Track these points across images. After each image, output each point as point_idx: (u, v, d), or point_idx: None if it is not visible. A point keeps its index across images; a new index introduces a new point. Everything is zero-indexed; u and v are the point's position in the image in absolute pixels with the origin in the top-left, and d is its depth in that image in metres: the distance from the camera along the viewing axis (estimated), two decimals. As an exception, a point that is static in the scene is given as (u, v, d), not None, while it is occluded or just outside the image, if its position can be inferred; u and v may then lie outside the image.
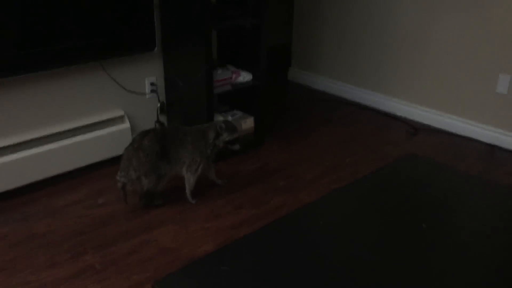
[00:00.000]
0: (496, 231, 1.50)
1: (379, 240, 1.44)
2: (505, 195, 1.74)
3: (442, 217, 1.56)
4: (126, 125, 2.91)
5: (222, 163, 2.87)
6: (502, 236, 1.47)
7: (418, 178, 1.80)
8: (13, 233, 2.28)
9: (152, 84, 3.02)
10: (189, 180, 2.50)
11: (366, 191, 1.70)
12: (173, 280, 1.26)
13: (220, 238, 2.24)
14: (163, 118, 3.12)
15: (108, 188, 2.64)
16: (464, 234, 1.48)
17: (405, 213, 1.57)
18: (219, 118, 3.02)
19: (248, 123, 3.11)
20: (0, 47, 2.36)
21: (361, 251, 1.38)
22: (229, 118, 3.06)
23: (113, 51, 2.75)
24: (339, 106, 3.87)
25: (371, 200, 1.64)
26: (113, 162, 2.88)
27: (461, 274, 1.30)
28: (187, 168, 2.47)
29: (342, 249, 1.39)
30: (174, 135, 2.47)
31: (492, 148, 3.17)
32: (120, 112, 2.92)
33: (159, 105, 3.07)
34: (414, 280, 1.26)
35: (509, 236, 1.48)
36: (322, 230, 1.48)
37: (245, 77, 3.02)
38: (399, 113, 3.67)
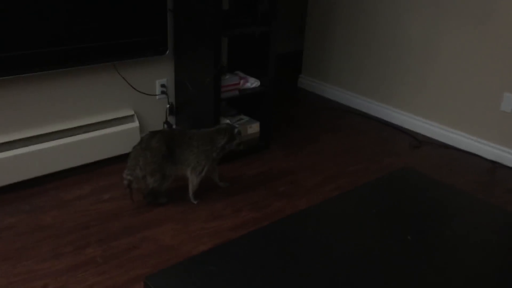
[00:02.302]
0: (477, 247, 1.55)
1: (362, 249, 1.50)
2: (494, 213, 1.79)
3: (428, 231, 1.61)
4: (136, 124, 3.01)
5: (226, 166, 2.95)
6: (481, 253, 1.52)
7: (410, 192, 1.85)
8: (20, 223, 2.38)
9: (162, 86, 3.11)
10: (193, 182, 2.58)
11: (356, 202, 1.76)
12: (163, 276, 1.33)
13: (218, 239, 2.32)
14: (171, 119, 3.21)
15: (114, 185, 2.74)
16: (447, 248, 1.54)
17: (392, 225, 1.63)
18: (225, 121, 3.10)
19: (254, 128, 3.19)
20: (19, 45, 2.46)
21: (345, 259, 1.45)
22: (236, 122, 3.14)
23: (127, 53, 2.84)
24: (346, 115, 3.93)
25: (360, 211, 1.70)
26: (121, 159, 2.97)
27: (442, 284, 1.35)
28: (192, 170, 2.55)
29: (328, 256, 1.46)
30: (181, 137, 2.55)
31: (494, 165, 3.20)
32: (130, 112, 3.01)
33: (168, 106, 3.17)
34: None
35: (488, 253, 1.54)
36: (310, 237, 1.55)
37: (253, 83, 3.10)
38: (404, 125, 3.71)
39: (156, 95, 3.12)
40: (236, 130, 2.63)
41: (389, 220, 1.65)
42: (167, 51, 2.99)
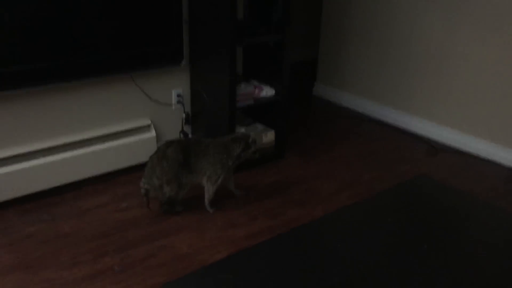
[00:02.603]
0: (492, 254, 1.54)
1: (378, 257, 1.50)
2: (510, 221, 1.76)
3: (443, 239, 1.60)
4: (152, 134, 3.05)
5: (241, 174, 2.96)
6: (497, 261, 1.51)
7: (425, 200, 1.84)
8: (40, 233, 2.42)
9: (178, 95, 3.15)
10: (209, 190, 2.60)
11: (371, 210, 1.76)
12: (180, 284, 1.35)
13: (233, 247, 2.32)
14: (187, 129, 3.24)
15: (131, 194, 2.77)
16: (463, 255, 1.53)
17: (408, 233, 1.62)
18: (241, 130, 3.12)
19: (269, 136, 3.20)
20: (40, 58, 2.53)
21: (360, 267, 1.44)
22: (251, 131, 3.16)
23: (143, 64, 2.89)
24: (362, 122, 3.92)
25: (376, 219, 1.70)
26: (138, 168, 3.01)
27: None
28: (208, 178, 2.57)
29: (344, 264, 1.46)
30: (196, 146, 2.58)
31: (512, 172, 3.16)
32: (147, 121, 3.05)
33: (184, 115, 3.20)
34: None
35: (505, 261, 1.52)
36: (326, 245, 1.55)
37: (267, 92, 3.11)
38: (420, 132, 3.69)
39: (172, 104, 3.16)
40: (251, 139, 2.64)
41: (405, 228, 1.64)
42: (183, 61, 3.03)
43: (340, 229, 1.64)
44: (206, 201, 2.62)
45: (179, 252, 2.31)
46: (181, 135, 3.21)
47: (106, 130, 2.90)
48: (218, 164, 2.56)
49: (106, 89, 2.87)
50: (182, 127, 3.22)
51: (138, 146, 2.99)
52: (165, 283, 1.33)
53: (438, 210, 1.74)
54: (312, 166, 3.18)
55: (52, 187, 2.72)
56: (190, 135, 3.24)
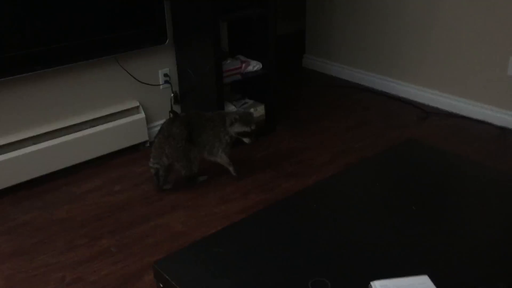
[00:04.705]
0: (485, 213, 1.55)
1: (368, 221, 1.51)
2: (501, 180, 1.77)
3: (433, 200, 1.61)
4: (141, 115, 3.03)
5: (233, 149, 2.96)
6: (488, 220, 1.52)
7: (414, 163, 1.85)
8: (35, 220, 2.43)
9: (165, 75, 3.13)
10: (222, 161, 2.65)
11: (360, 176, 1.77)
12: (171, 261, 1.36)
13: (228, 223, 2.33)
14: (176, 108, 3.23)
15: (124, 176, 2.78)
16: (455, 217, 1.54)
17: (397, 197, 1.63)
18: (230, 107, 3.11)
19: (259, 111, 3.19)
20: (20, 45, 2.49)
21: (350, 233, 1.46)
22: (241, 106, 3.15)
23: (126, 45, 2.85)
24: (351, 91, 3.91)
25: (364, 184, 1.70)
26: (130, 151, 3.02)
27: (451, 254, 1.36)
28: (209, 152, 2.60)
29: (335, 231, 1.47)
30: (197, 120, 2.59)
31: (502, 131, 3.17)
32: (135, 103, 3.04)
33: (172, 95, 3.18)
34: (405, 259, 1.33)
35: (495, 220, 1.53)
36: (316, 213, 1.56)
37: (255, 66, 3.10)
38: (410, 97, 3.68)
39: (159, 85, 3.14)
40: (233, 116, 2.57)
41: (394, 192, 1.65)
42: (167, 40, 3.00)
43: (331, 196, 1.65)
44: (226, 165, 2.66)
45: (174, 230, 2.33)
46: (171, 115, 3.19)
47: (94, 114, 2.89)
48: (216, 138, 2.58)
49: (92, 73, 2.85)
50: (171, 107, 3.21)
51: (128, 128, 2.98)
52: (156, 260, 1.34)
53: (428, 172, 1.75)
54: (304, 138, 3.19)
55: (44, 174, 2.72)
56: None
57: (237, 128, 2.58)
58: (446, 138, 3.09)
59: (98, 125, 2.89)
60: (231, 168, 2.67)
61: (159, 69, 3.11)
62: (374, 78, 3.91)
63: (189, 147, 2.53)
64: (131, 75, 2.97)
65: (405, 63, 3.69)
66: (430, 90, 3.57)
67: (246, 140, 2.63)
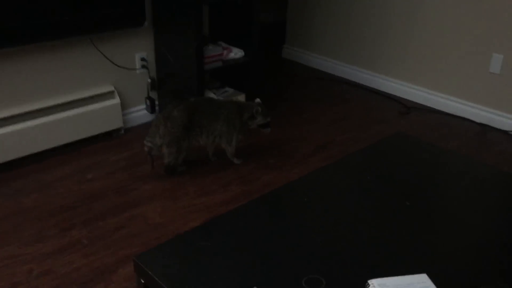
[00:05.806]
0: (474, 207, 1.51)
1: (361, 216, 1.44)
2: (489, 174, 1.74)
3: (426, 194, 1.56)
4: (116, 100, 2.89)
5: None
6: (478, 212, 1.48)
7: (404, 156, 1.79)
8: (1, 207, 2.28)
9: (142, 59, 2.99)
10: (228, 151, 2.61)
11: (349, 170, 1.70)
12: (154, 254, 1.26)
13: (207, 215, 2.25)
14: (153, 94, 3.10)
15: (97, 164, 2.64)
16: (445, 210, 1.49)
17: (389, 190, 1.57)
18: (210, 94, 3.01)
19: (239, 100, 3.09)
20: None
21: (340, 228, 1.39)
22: (221, 94, 3.05)
23: (102, 26, 2.71)
24: (332, 84, 3.85)
25: (354, 178, 1.64)
26: (103, 138, 2.88)
27: (442, 248, 1.31)
28: (220, 140, 2.56)
29: (322, 226, 1.39)
30: (207, 107, 2.51)
31: (483, 128, 3.17)
32: (110, 88, 2.89)
33: (149, 80, 3.05)
34: (398, 253, 1.28)
35: (486, 212, 1.50)
36: (306, 207, 1.48)
37: (236, 53, 3.00)
38: (391, 91, 3.65)
39: (136, 69, 3.00)
40: (255, 109, 2.56)
41: (386, 186, 1.59)
42: (145, 23, 2.86)
43: (318, 190, 1.57)
44: (230, 156, 2.62)
45: (151, 221, 2.22)
46: (147, 102, 3.06)
47: (66, 98, 2.74)
48: (230, 126, 2.53)
49: (65, 54, 2.69)
50: (148, 93, 3.07)
51: (102, 114, 2.84)
52: (137, 254, 1.24)
53: (419, 166, 1.70)
54: (285, 130, 3.11)
55: (11, 159, 2.56)
56: (156, 102, 3.09)
57: (261, 120, 2.58)
58: (428, 134, 3.06)
59: (70, 109, 2.74)
60: (232, 155, 2.64)
61: (136, 53, 2.97)
62: (356, 71, 3.86)
63: (184, 136, 2.44)
64: (107, 58, 2.82)
65: (387, 57, 3.65)
66: (412, 85, 3.54)
67: (266, 130, 2.64)
